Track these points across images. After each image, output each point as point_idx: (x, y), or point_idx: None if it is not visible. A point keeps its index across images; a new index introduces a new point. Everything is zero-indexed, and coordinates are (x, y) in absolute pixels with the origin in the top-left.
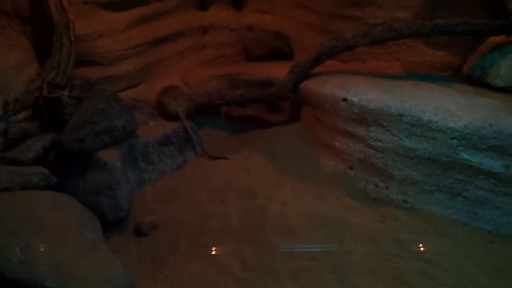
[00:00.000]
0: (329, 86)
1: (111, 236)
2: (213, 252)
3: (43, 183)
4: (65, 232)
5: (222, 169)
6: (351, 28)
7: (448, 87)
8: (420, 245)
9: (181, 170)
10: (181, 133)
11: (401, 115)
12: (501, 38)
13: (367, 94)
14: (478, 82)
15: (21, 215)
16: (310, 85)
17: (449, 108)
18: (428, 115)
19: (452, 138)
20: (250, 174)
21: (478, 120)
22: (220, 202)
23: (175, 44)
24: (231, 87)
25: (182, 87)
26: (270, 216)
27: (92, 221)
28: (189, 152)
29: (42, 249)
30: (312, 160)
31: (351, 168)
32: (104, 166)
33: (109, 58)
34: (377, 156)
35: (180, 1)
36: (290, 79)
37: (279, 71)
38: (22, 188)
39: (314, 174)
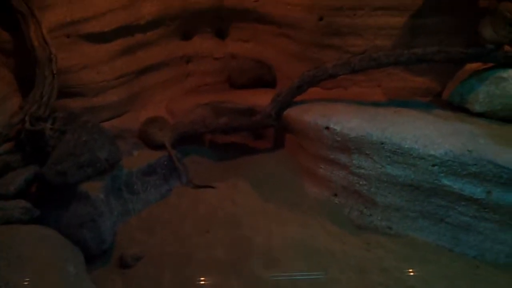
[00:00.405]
0: (311, 114)
1: (94, 269)
2: (199, 284)
3: (25, 217)
4: (47, 267)
5: (207, 198)
6: (332, 56)
7: (429, 113)
8: (405, 272)
9: (166, 199)
10: (165, 163)
11: (382, 143)
12: (478, 65)
13: (349, 122)
14: (458, 107)
15: (1, 251)
16: (293, 113)
17: (429, 135)
18: (409, 143)
19: (433, 165)
20: (235, 203)
21: (458, 147)
22: (205, 232)
23: (159, 74)
24: (216, 115)
25: (165, 118)
26: (255, 247)
27: (75, 254)
28: (174, 181)
29: (22, 287)
30: (297, 187)
31: (335, 195)
32: (87, 198)
33: (93, 89)
34: (361, 183)
35: (164, 32)
36: (273, 108)
37: (262, 98)
38: (4, 222)
39: (299, 201)
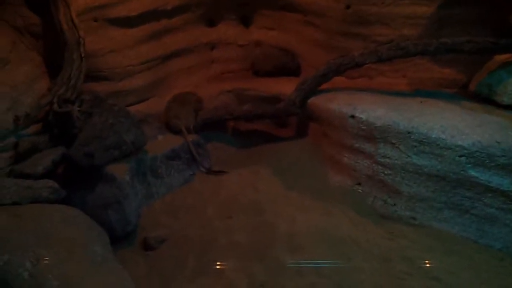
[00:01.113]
0: (336, 103)
1: (119, 250)
2: (221, 268)
3: (53, 197)
4: (74, 246)
5: (229, 184)
6: (358, 45)
7: (455, 104)
8: (429, 262)
9: (189, 184)
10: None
11: (409, 133)
12: (507, 56)
13: (375, 111)
14: (485, 99)
15: (30, 229)
16: (317, 102)
17: (457, 126)
18: (436, 133)
19: (460, 156)
20: (257, 190)
21: (486, 138)
22: (228, 218)
23: (184, 60)
24: (239, 102)
25: (193, 93)
26: (278, 233)
27: (101, 235)
28: (197, 166)
29: (51, 263)
30: (320, 176)
31: (359, 184)
32: (113, 180)
33: (119, 74)
34: (385, 172)
35: (189, 18)
36: (298, 96)
37: (286, 87)
38: (32, 201)
39: (322, 190)
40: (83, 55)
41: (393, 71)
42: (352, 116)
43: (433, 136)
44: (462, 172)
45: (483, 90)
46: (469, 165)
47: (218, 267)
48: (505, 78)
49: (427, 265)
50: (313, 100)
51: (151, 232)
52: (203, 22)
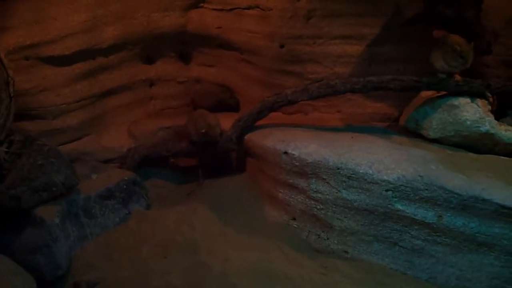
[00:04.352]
0: (271, 139)
1: None
2: None
3: None
4: None
5: (166, 222)
6: (293, 82)
7: (385, 139)
8: None
9: (124, 224)
10: (124, 186)
11: (338, 168)
12: (432, 93)
13: (307, 147)
14: (414, 133)
15: None
16: (253, 138)
17: (383, 160)
18: (364, 168)
19: (387, 190)
20: (194, 228)
21: (411, 172)
22: (163, 258)
23: (121, 97)
24: (178, 139)
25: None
26: (212, 272)
27: (27, 282)
28: (133, 205)
29: None
30: (257, 211)
31: (294, 219)
32: (41, 223)
33: (52, 112)
34: (318, 207)
35: (126, 55)
36: (234, 132)
37: (225, 122)
38: None
39: (258, 226)
40: (12, 95)
41: (328, 106)
42: (285, 153)
43: (361, 171)
44: (389, 205)
45: (411, 125)
46: (395, 199)
47: None
48: (430, 113)
49: None
50: (250, 137)
51: (83, 276)
52: (141, 59)
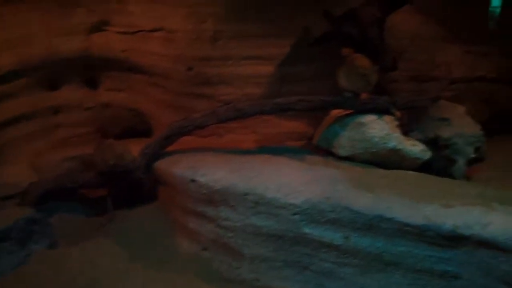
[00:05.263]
0: (179, 167)
1: None
2: None
3: None
4: None
5: (69, 262)
6: (205, 105)
7: (297, 159)
8: None
9: (23, 267)
10: (23, 225)
11: (246, 194)
12: (340, 111)
13: (215, 173)
14: (327, 151)
15: None
16: (162, 166)
17: (291, 183)
18: (272, 192)
19: (294, 214)
20: (99, 266)
21: (317, 195)
22: None
23: (23, 127)
24: (86, 169)
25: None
26: None
27: None
28: (33, 245)
29: None
30: (168, 243)
31: (205, 249)
32: None
33: None
34: (228, 235)
35: (26, 82)
36: (142, 160)
37: (136, 149)
38: None
39: (169, 258)
40: None
41: (243, 128)
42: (193, 180)
43: (269, 196)
44: (297, 230)
45: (323, 143)
46: (303, 222)
47: None
48: (340, 132)
49: None
50: (159, 164)
51: None
52: (44, 86)
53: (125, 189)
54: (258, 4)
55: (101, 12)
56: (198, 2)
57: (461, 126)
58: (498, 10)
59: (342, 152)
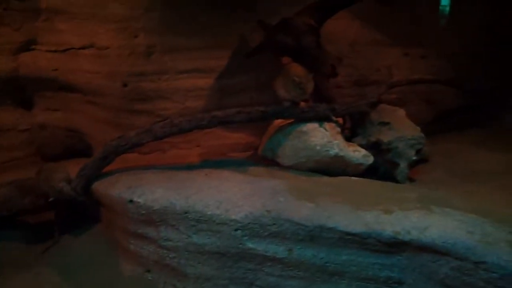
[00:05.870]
0: (117, 187)
1: None
2: None
3: None
4: None
5: None
6: (144, 121)
7: (240, 172)
8: None
9: None
10: None
11: (186, 212)
12: (282, 120)
13: (153, 193)
14: (272, 161)
15: None
16: (100, 187)
17: (232, 198)
18: (212, 209)
19: (236, 230)
20: None
21: (258, 208)
22: None
23: None
24: (22, 194)
25: None
26: None
27: None
28: None
29: None
30: (112, 266)
31: (149, 271)
32: None
33: None
34: (170, 256)
35: None
36: (79, 183)
37: (75, 170)
38: None
39: (113, 283)
40: None
41: (186, 142)
42: (131, 201)
43: (209, 213)
44: (240, 245)
45: (268, 153)
46: (246, 238)
47: None
48: (283, 141)
49: None
50: (97, 186)
51: None
52: None
53: (68, 213)
54: (190, 17)
55: (27, 31)
56: (128, 17)
57: (401, 130)
58: (447, 8)
59: (286, 161)
